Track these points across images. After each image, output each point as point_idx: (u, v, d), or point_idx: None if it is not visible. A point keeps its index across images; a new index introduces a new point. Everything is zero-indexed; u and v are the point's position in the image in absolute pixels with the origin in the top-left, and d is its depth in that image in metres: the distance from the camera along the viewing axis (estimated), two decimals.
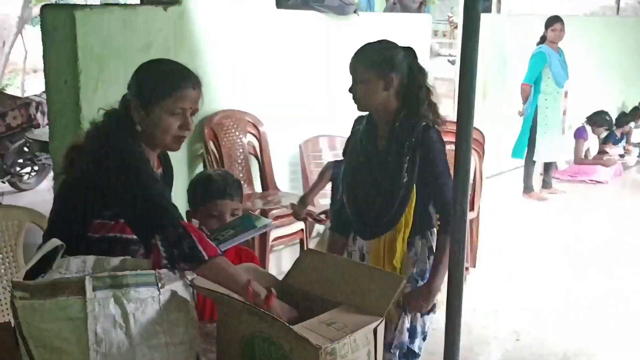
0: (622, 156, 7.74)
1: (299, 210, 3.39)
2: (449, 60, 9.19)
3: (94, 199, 1.77)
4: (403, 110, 2.29)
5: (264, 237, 3.79)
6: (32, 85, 10.65)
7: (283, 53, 4.43)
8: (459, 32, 7.61)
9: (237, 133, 4.23)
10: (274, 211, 3.93)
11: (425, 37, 5.56)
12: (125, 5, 3.66)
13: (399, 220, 2.30)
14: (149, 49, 3.52)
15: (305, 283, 1.71)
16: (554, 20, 6.17)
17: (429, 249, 2.38)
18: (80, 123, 3.25)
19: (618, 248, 5.13)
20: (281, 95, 4.44)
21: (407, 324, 2.37)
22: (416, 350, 2.41)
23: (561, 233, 5.52)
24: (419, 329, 2.42)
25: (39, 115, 5.91)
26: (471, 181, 4.16)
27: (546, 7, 8.32)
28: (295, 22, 4.51)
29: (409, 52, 2.33)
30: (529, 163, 6.44)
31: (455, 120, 2.10)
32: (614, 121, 7.79)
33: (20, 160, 6.22)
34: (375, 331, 1.48)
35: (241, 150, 4.26)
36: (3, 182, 6.07)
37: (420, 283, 2.37)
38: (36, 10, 10.21)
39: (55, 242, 1.55)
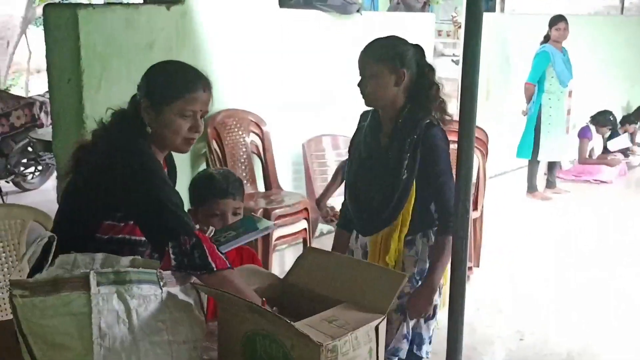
0: (626, 156, 7.72)
1: (323, 213, 3.41)
2: (452, 60, 9.19)
3: (103, 200, 1.77)
4: (407, 107, 2.28)
5: (266, 236, 3.78)
6: (36, 85, 10.67)
7: (286, 52, 4.43)
8: (462, 31, 7.59)
9: (240, 132, 4.23)
10: (276, 210, 3.92)
11: (429, 36, 5.55)
12: (127, 4, 3.66)
13: (396, 217, 2.29)
14: (151, 48, 3.52)
15: (307, 281, 1.71)
16: (557, 20, 6.16)
17: (430, 248, 2.37)
18: (83, 122, 3.25)
19: (622, 248, 5.12)
20: (284, 94, 4.44)
21: (404, 331, 2.35)
22: (423, 355, 2.40)
23: (565, 233, 5.51)
24: (424, 335, 2.40)
25: (42, 115, 5.92)
26: (474, 180, 4.16)
27: (550, 7, 8.30)
28: (298, 21, 4.51)
29: (418, 49, 2.32)
30: (533, 162, 6.43)
31: (455, 119, 2.11)
32: (617, 121, 7.76)
33: (24, 160, 6.24)
34: (377, 329, 1.47)
35: (244, 149, 4.26)
36: (7, 182, 6.09)
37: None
38: (40, 11, 10.23)
39: (46, 234, 1.55)
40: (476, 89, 1.96)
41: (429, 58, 2.44)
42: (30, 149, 6.14)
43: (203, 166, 4.03)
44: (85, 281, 1.45)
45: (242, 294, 1.62)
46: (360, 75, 2.30)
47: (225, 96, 4.02)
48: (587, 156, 7.37)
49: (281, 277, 1.83)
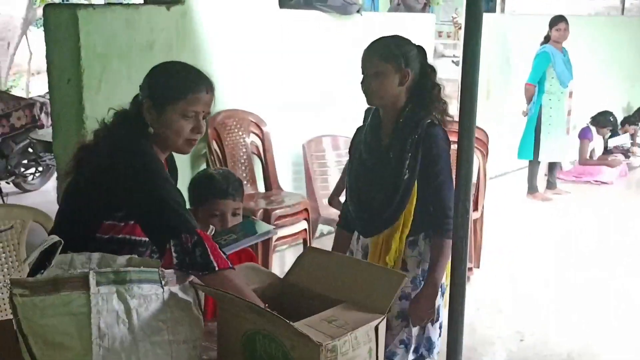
0: (627, 157, 7.71)
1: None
2: (453, 61, 9.19)
3: (105, 199, 1.77)
4: (408, 106, 2.27)
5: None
6: (37, 86, 10.67)
7: (286, 53, 4.43)
8: (463, 33, 7.59)
9: (240, 133, 4.23)
10: (276, 211, 3.92)
11: (429, 37, 5.56)
12: (128, 4, 3.66)
13: (398, 218, 2.27)
14: (151, 48, 3.52)
15: (307, 281, 1.71)
16: (558, 20, 6.16)
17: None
18: (83, 122, 3.26)
19: (622, 249, 5.11)
20: (284, 94, 4.44)
21: (403, 336, 2.34)
22: (436, 359, 2.39)
23: (565, 234, 5.50)
24: (434, 338, 2.39)
25: (43, 115, 5.92)
26: (474, 181, 4.15)
27: (550, 7, 8.31)
28: (298, 21, 4.51)
29: (420, 50, 2.32)
30: (534, 163, 6.43)
31: (455, 120, 2.11)
32: (618, 121, 7.76)
33: (25, 161, 6.23)
34: (376, 329, 1.47)
35: (244, 150, 4.26)
36: (7, 183, 6.08)
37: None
38: (40, 12, 10.22)
39: (53, 238, 1.54)
40: (476, 90, 1.96)
41: (430, 59, 2.44)
42: (30, 149, 6.13)
43: (203, 167, 4.02)
44: (84, 281, 1.45)
45: (242, 294, 1.62)
46: (363, 73, 2.28)
47: (225, 96, 4.02)
48: (587, 157, 7.36)
49: (281, 277, 1.83)
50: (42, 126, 5.89)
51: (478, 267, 4.51)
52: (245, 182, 3.98)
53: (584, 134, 7.35)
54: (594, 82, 7.58)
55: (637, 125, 8.04)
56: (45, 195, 6.01)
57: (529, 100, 6.27)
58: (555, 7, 8.16)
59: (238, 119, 4.22)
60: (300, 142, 4.50)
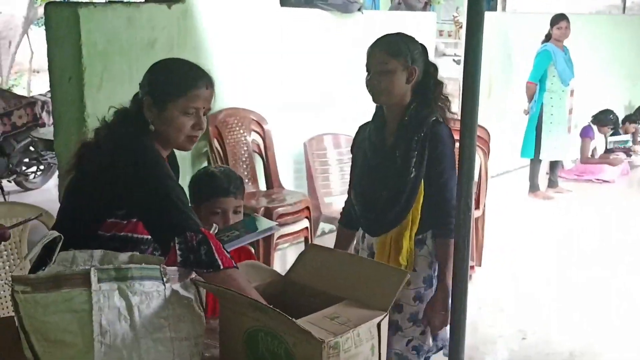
0: (629, 155, 7.70)
1: None
2: (454, 60, 9.18)
3: (107, 197, 1.77)
4: (413, 104, 2.26)
5: (268, 235, 3.77)
6: (38, 85, 10.68)
7: (287, 51, 4.43)
8: (464, 31, 7.60)
9: (241, 131, 4.23)
10: (278, 209, 3.92)
11: (430, 35, 5.56)
12: (129, 2, 3.66)
13: (405, 216, 2.25)
14: (152, 46, 3.52)
15: (309, 278, 1.70)
16: (559, 18, 6.15)
17: None
18: (84, 120, 3.26)
19: (624, 247, 5.10)
20: (285, 93, 4.43)
21: (416, 343, 2.34)
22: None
23: (567, 232, 5.49)
24: (445, 337, 2.37)
25: (44, 114, 5.92)
26: (476, 179, 4.15)
27: (551, 5, 8.30)
28: (299, 20, 4.51)
29: (423, 47, 2.31)
30: (535, 162, 6.42)
31: (456, 118, 2.10)
32: (619, 120, 7.75)
33: (26, 160, 6.23)
34: (379, 326, 1.47)
35: (245, 148, 4.26)
36: (9, 182, 6.08)
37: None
38: (42, 11, 10.21)
39: (53, 233, 1.54)
40: (478, 88, 1.96)
41: (431, 58, 2.43)
42: (32, 148, 6.13)
43: (204, 165, 4.02)
44: (86, 278, 1.45)
45: (246, 294, 1.62)
46: (370, 70, 2.24)
47: (226, 95, 4.02)
48: (589, 155, 7.35)
49: (283, 275, 1.82)
50: (43, 125, 5.89)
51: (480, 266, 4.50)
52: (246, 181, 3.97)
53: (586, 133, 7.34)
54: (595, 80, 7.58)
55: (638, 123, 8.03)
56: (46, 193, 6.01)
57: (530, 98, 6.26)
58: (556, 5, 8.16)
59: (239, 117, 4.21)
60: (302, 141, 4.50)
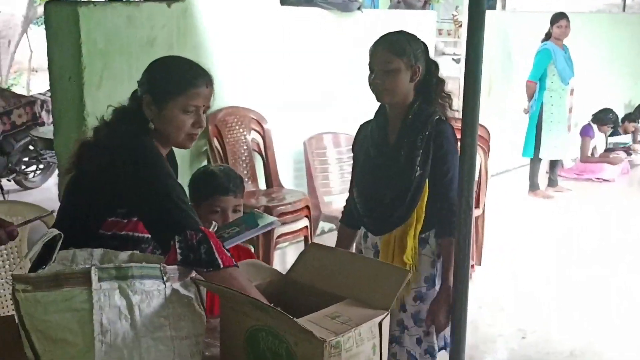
0: (629, 154, 7.70)
1: None
2: (453, 59, 9.18)
3: (107, 196, 1.77)
4: (416, 103, 2.25)
5: (268, 234, 3.78)
6: (37, 84, 10.67)
7: (286, 50, 4.43)
8: (464, 30, 7.60)
9: (241, 130, 4.22)
10: (278, 208, 3.92)
11: (430, 34, 5.55)
12: (128, 1, 3.66)
13: (410, 215, 2.24)
14: (152, 45, 3.52)
15: (310, 277, 1.70)
16: (559, 17, 6.15)
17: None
18: (84, 119, 3.26)
19: (624, 246, 5.10)
20: (285, 91, 4.43)
21: (426, 346, 2.33)
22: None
23: (567, 231, 5.49)
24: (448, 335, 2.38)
25: (43, 113, 5.91)
26: (476, 178, 4.14)
27: (551, 4, 8.30)
28: (299, 19, 4.51)
29: (425, 45, 2.30)
30: (535, 161, 6.41)
31: (459, 117, 2.09)
32: (619, 119, 7.75)
33: (26, 159, 6.23)
34: (380, 325, 1.46)
35: (245, 147, 4.25)
36: (8, 181, 6.08)
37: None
38: (41, 10, 10.23)
39: (53, 231, 1.54)
40: (479, 86, 1.96)
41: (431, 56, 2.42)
42: (31, 147, 6.13)
43: (204, 163, 4.02)
44: (86, 277, 1.44)
45: (246, 293, 1.61)
46: (374, 69, 2.22)
47: (226, 94, 4.01)
48: (589, 154, 7.35)
49: (283, 274, 1.82)
50: (42, 124, 5.89)
51: (480, 265, 4.50)
52: (246, 179, 3.97)
53: (585, 132, 7.34)
54: (595, 79, 7.58)
55: (637, 122, 8.03)
56: (46, 192, 6.01)
57: (530, 97, 6.25)
58: (556, 4, 8.16)
59: (239, 116, 4.21)
60: (301, 139, 4.49)
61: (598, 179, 7.09)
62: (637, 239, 5.24)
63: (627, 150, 7.72)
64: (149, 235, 1.81)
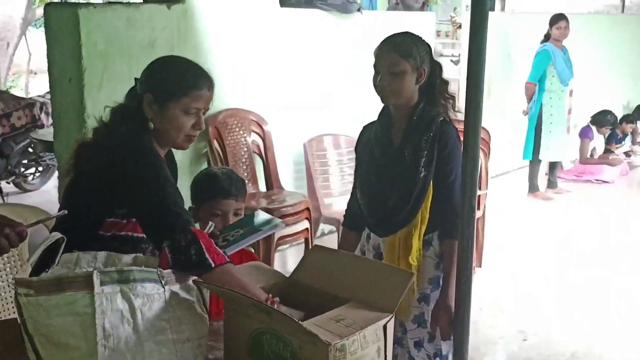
0: (628, 155, 7.71)
1: None
2: (452, 60, 9.17)
3: (106, 197, 1.76)
4: (421, 104, 2.24)
5: (269, 236, 3.76)
6: (36, 86, 10.67)
7: (286, 51, 4.42)
8: (462, 31, 7.62)
9: (241, 132, 4.22)
10: (278, 210, 3.90)
11: (430, 35, 5.55)
12: (128, 3, 3.65)
13: (415, 216, 2.23)
14: (153, 47, 3.51)
15: (313, 279, 1.69)
16: (558, 18, 6.15)
17: None
18: (85, 121, 3.25)
19: (624, 247, 5.10)
20: (285, 93, 4.43)
21: (431, 350, 2.32)
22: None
23: (567, 233, 5.49)
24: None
25: (43, 115, 5.91)
26: None
27: (550, 5, 8.31)
28: (299, 20, 4.50)
29: (429, 47, 2.29)
30: (535, 162, 6.41)
31: (460, 119, 2.08)
32: (618, 120, 7.76)
33: (25, 161, 6.22)
34: (385, 328, 1.46)
35: (245, 149, 4.24)
36: (8, 183, 6.07)
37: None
38: (39, 12, 10.24)
39: (55, 235, 1.53)
40: (482, 88, 1.96)
41: None
42: (30, 149, 6.12)
43: (204, 166, 4.01)
44: (88, 280, 1.44)
45: (245, 287, 1.61)
46: (380, 70, 2.21)
47: (226, 95, 4.01)
48: (588, 156, 7.35)
49: (286, 276, 1.81)
50: (42, 126, 5.89)
51: (480, 267, 4.50)
52: (246, 182, 3.96)
53: (585, 133, 7.34)
54: (595, 80, 7.58)
55: (634, 124, 8.04)
56: (45, 195, 6.00)
57: (530, 98, 6.26)
58: (555, 5, 8.16)
59: (239, 118, 4.20)
60: (301, 141, 4.49)
61: (597, 180, 7.10)
62: (637, 240, 5.25)
63: (626, 151, 7.74)
64: None
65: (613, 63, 8.23)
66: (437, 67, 2.28)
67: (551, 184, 6.68)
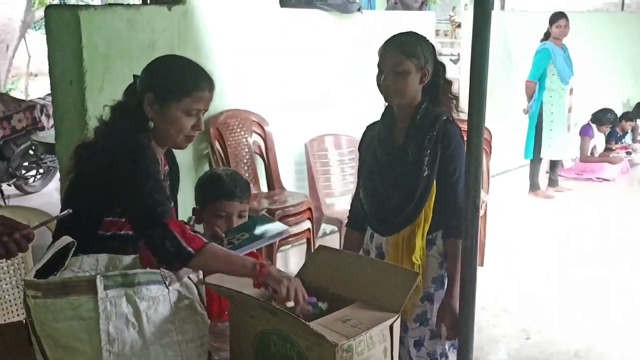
0: (629, 153, 7.71)
1: None
2: (451, 60, 9.17)
3: (103, 196, 1.77)
4: (424, 103, 2.24)
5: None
6: (36, 89, 10.66)
7: (287, 52, 4.42)
8: (461, 31, 7.61)
9: (242, 133, 4.22)
10: (280, 211, 3.91)
11: (430, 35, 5.55)
12: (129, 5, 3.65)
13: (418, 215, 2.23)
14: (153, 48, 3.51)
15: (319, 280, 1.69)
16: (558, 17, 6.14)
17: None
18: (86, 123, 3.25)
19: (625, 245, 5.10)
20: (286, 94, 4.42)
21: (433, 350, 2.32)
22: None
23: (568, 231, 5.49)
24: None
25: (43, 117, 5.90)
26: None
27: (550, 4, 8.30)
28: (299, 20, 4.50)
29: (433, 46, 2.29)
30: (535, 161, 6.41)
31: (463, 119, 2.08)
32: (618, 118, 7.76)
33: (26, 163, 6.22)
34: (391, 328, 1.46)
35: (247, 149, 4.24)
36: (9, 185, 6.07)
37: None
38: (39, 14, 10.23)
39: (66, 239, 1.53)
40: (485, 87, 1.96)
41: None
42: (31, 151, 6.12)
43: (206, 167, 4.01)
44: (92, 285, 1.43)
45: (231, 262, 1.64)
46: (384, 70, 2.20)
47: (227, 96, 4.01)
48: (588, 154, 7.35)
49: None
50: (42, 128, 5.88)
51: (482, 266, 4.49)
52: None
53: (585, 131, 7.34)
54: (595, 78, 7.58)
55: (634, 121, 8.04)
56: (46, 197, 6.00)
57: (530, 97, 6.25)
58: (554, 3, 8.15)
59: (240, 119, 4.20)
60: (303, 142, 4.49)
61: (598, 178, 7.09)
62: (638, 238, 5.24)
63: (627, 149, 7.74)
64: None
65: (613, 61, 8.23)
66: (440, 67, 2.28)
67: (552, 183, 6.68)
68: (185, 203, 2.25)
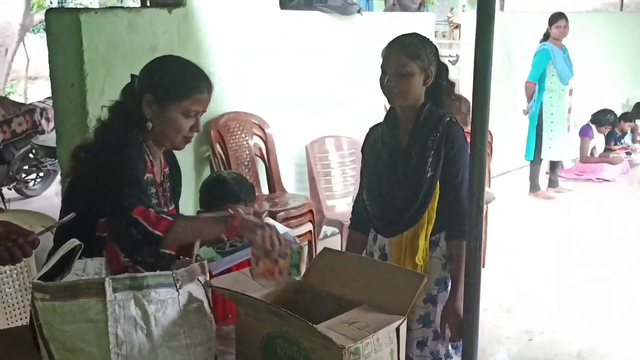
0: (628, 154, 7.71)
1: None
2: (449, 61, 9.17)
3: (99, 197, 1.76)
4: (427, 105, 2.24)
5: None
6: (35, 92, 10.64)
7: (287, 54, 4.42)
8: (459, 32, 7.61)
9: (243, 135, 4.22)
10: (281, 213, 3.91)
11: (429, 36, 5.53)
12: (129, 8, 3.65)
13: (421, 216, 2.23)
14: (154, 51, 3.51)
15: (323, 282, 1.68)
16: (558, 17, 6.15)
17: None
18: (87, 126, 3.25)
19: (625, 246, 5.10)
20: (286, 96, 4.43)
21: (435, 349, 2.32)
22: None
23: (568, 232, 5.49)
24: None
25: (43, 121, 5.90)
26: None
27: (549, 4, 8.29)
28: (299, 22, 4.51)
29: (436, 48, 2.29)
30: (535, 162, 6.41)
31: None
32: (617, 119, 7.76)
33: (26, 167, 6.22)
34: (397, 330, 1.45)
35: (247, 152, 4.24)
36: (9, 189, 6.06)
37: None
38: (37, 17, 10.23)
39: (73, 242, 1.53)
40: (489, 89, 1.96)
41: None
42: (31, 155, 6.12)
43: (207, 169, 4.01)
44: (100, 287, 1.43)
45: (200, 230, 1.68)
46: (387, 71, 2.21)
47: (227, 99, 4.01)
48: (588, 155, 7.35)
49: None
50: (42, 132, 5.88)
51: (483, 267, 4.47)
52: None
53: (585, 132, 7.34)
54: (594, 79, 7.58)
55: (633, 122, 8.04)
56: (46, 200, 5.99)
57: (530, 98, 6.25)
58: (554, 4, 8.15)
59: (241, 122, 4.20)
60: (303, 143, 4.49)
61: (598, 179, 7.10)
62: (638, 238, 5.24)
63: (627, 149, 7.75)
64: None
65: (612, 61, 8.24)
66: (443, 69, 2.28)
67: (552, 183, 6.68)
68: (186, 205, 2.24)
